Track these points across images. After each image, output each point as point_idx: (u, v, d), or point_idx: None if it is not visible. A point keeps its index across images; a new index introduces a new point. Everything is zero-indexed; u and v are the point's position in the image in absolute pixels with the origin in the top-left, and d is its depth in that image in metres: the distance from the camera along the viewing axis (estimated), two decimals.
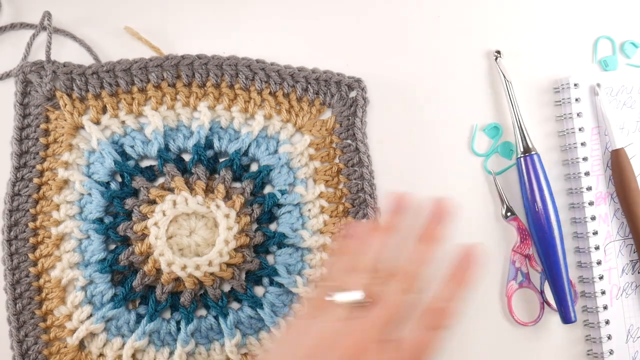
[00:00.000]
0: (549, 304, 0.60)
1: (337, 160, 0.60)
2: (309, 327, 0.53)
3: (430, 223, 0.54)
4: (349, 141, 0.60)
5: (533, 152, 0.60)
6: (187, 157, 0.60)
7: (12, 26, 0.61)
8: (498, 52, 0.62)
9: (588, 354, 0.60)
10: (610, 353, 0.58)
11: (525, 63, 0.62)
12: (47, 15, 0.59)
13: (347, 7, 0.62)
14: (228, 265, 0.57)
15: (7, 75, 0.60)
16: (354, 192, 0.60)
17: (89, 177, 0.59)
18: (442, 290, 0.53)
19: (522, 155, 0.60)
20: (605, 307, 0.59)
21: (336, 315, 0.52)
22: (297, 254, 0.59)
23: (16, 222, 0.58)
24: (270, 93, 0.60)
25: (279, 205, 0.59)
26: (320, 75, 0.60)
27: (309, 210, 0.60)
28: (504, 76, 0.61)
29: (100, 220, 0.58)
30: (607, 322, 0.59)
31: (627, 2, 0.63)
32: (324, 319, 0.53)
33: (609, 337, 0.59)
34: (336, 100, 0.60)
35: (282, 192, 0.59)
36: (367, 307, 0.52)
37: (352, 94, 0.60)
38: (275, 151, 0.60)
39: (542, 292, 0.60)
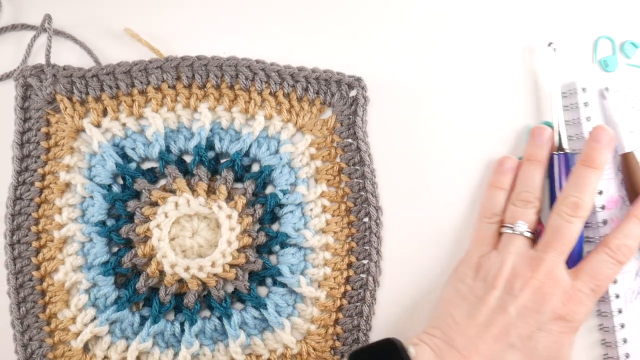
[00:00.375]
0: None
1: (338, 160, 0.60)
2: (493, 259, 0.53)
3: (590, 148, 0.55)
4: (350, 140, 0.60)
5: (568, 151, 0.58)
6: (188, 159, 0.60)
7: (13, 27, 0.61)
8: (552, 43, 0.61)
9: (604, 358, 0.59)
10: (627, 357, 0.57)
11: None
12: (48, 18, 0.59)
13: (346, 6, 0.62)
14: (231, 266, 0.57)
15: (7, 76, 0.60)
16: (355, 191, 0.60)
17: (91, 179, 0.59)
18: (623, 227, 0.54)
19: (557, 152, 0.58)
20: (619, 311, 0.58)
21: (518, 245, 0.53)
22: (299, 254, 0.59)
23: (19, 226, 0.58)
24: (270, 93, 0.60)
25: (281, 205, 0.59)
26: (321, 74, 0.60)
27: (311, 209, 0.59)
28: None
29: (102, 223, 0.58)
30: (622, 326, 0.58)
31: (627, 2, 0.63)
32: (507, 250, 0.53)
33: (625, 341, 0.58)
34: (336, 100, 0.60)
35: (284, 192, 0.59)
36: (544, 238, 0.53)
37: (353, 93, 0.60)
38: (277, 151, 0.60)
39: None
